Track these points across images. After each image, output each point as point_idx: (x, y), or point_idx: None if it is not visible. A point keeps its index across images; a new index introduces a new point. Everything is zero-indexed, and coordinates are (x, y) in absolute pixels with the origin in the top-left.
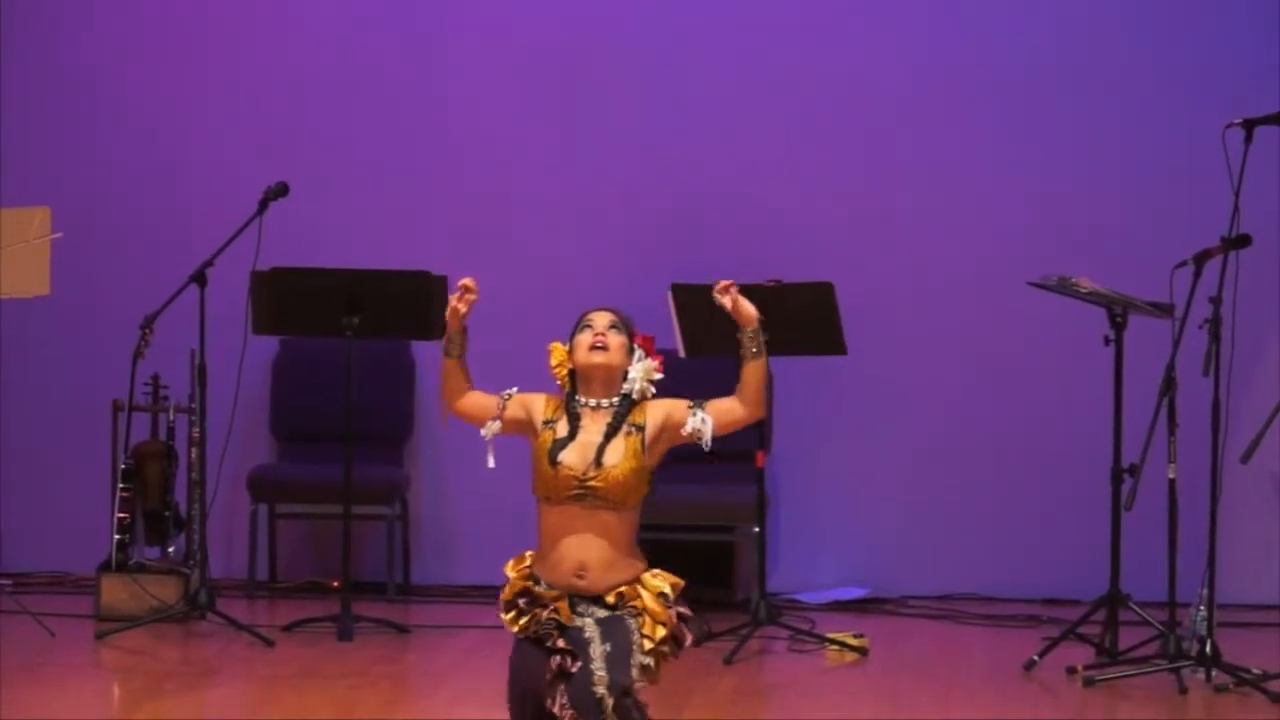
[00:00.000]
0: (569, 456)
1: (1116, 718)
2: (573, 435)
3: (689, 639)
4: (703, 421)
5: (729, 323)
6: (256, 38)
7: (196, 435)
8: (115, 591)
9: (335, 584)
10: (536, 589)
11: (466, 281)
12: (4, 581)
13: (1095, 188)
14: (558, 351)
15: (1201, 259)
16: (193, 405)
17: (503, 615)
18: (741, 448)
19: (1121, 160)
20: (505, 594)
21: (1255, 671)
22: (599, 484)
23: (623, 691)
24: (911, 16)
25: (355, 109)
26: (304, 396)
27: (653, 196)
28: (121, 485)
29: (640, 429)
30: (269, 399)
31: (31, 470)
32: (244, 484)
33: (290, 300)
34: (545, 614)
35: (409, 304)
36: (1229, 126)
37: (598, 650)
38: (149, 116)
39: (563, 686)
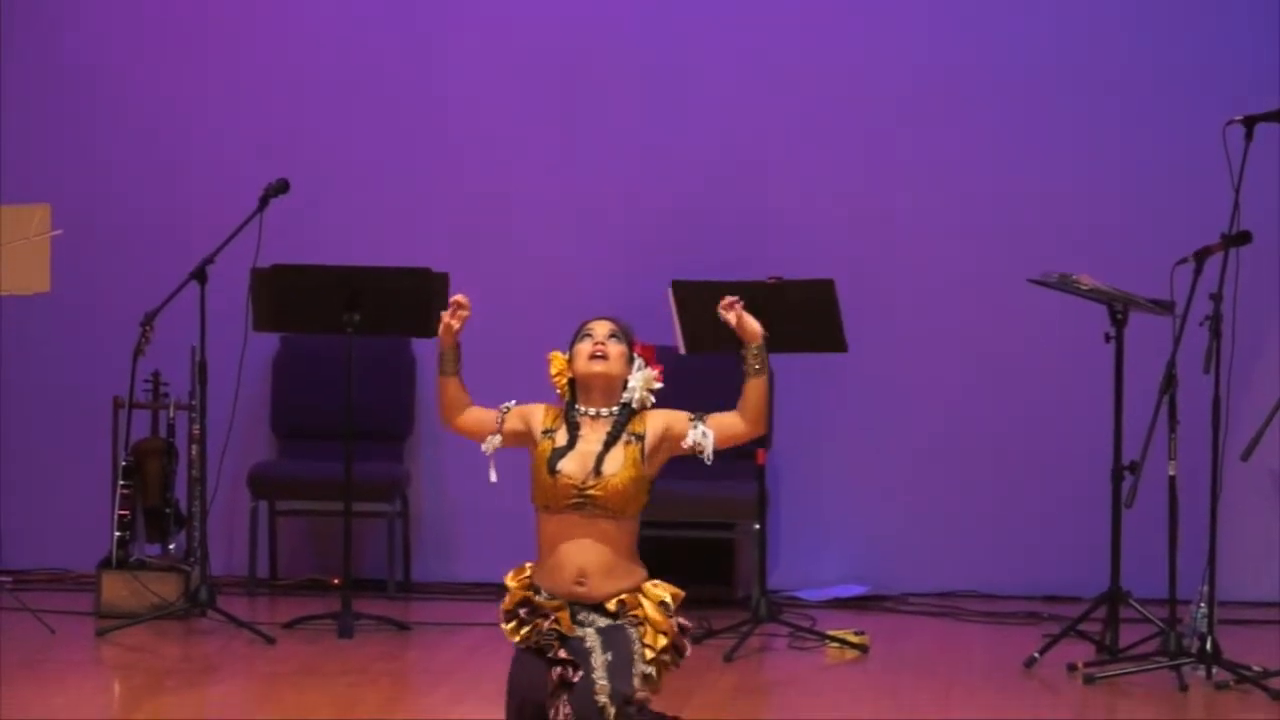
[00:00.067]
0: (568, 465)
1: (1117, 715)
2: (571, 444)
3: (689, 649)
4: (704, 435)
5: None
6: (256, 38)
7: (197, 432)
8: (116, 588)
9: (336, 581)
10: (537, 599)
11: (459, 298)
12: (4, 579)
13: (1095, 185)
14: (557, 360)
15: (1202, 256)
16: (193, 402)
17: (503, 625)
18: (742, 445)
19: (1122, 158)
20: (505, 604)
21: (1256, 669)
22: (598, 493)
23: (624, 700)
24: (911, 16)
25: (355, 109)
26: (304, 393)
27: (653, 196)
28: (122, 482)
29: (640, 438)
30: (269, 396)
31: (32, 467)
32: (244, 481)
33: (290, 297)
34: (546, 624)
35: (409, 301)
36: (1229, 123)
37: (599, 660)
38: (149, 114)
39: (565, 696)
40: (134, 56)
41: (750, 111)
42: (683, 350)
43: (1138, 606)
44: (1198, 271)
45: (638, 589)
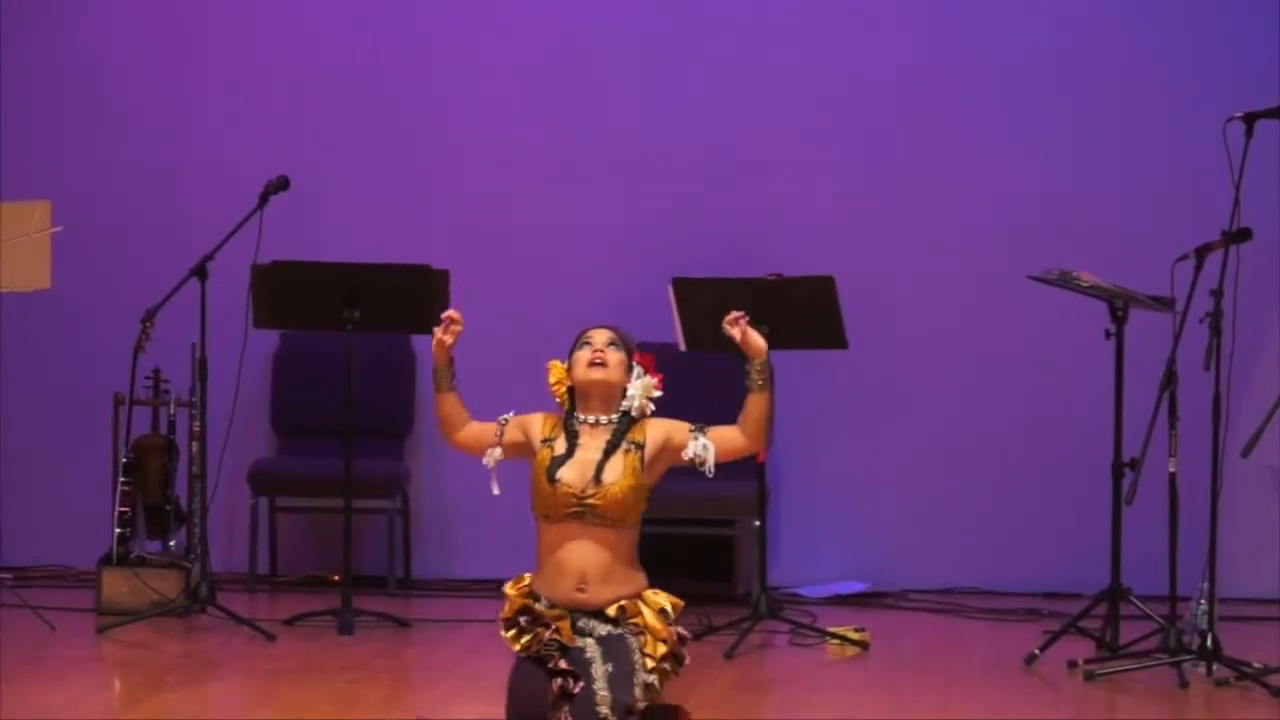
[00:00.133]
0: (567, 474)
1: (1117, 712)
2: (570, 452)
3: (688, 658)
4: (704, 448)
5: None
6: (256, 37)
7: (197, 429)
8: (116, 585)
9: (336, 578)
10: (537, 606)
11: (451, 313)
12: (4, 575)
13: (1095, 182)
14: (556, 369)
15: (1202, 253)
16: (193, 399)
17: (503, 633)
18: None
19: (1122, 155)
20: (505, 612)
21: (1256, 665)
22: (597, 502)
23: (626, 711)
24: (911, 17)
25: (355, 108)
26: (304, 390)
27: (653, 196)
28: (122, 479)
29: (640, 447)
30: (269, 393)
31: (32, 464)
32: (245, 478)
33: (291, 294)
34: (548, 634)
35: (409, 298)
36: (1229, 120)
37: (599, 670)
38: (149, 111)
39: (566, 708)
40: (134, 53)
41: (750, 111)
42: (683, 347)
43: (1138, 603)
44: (1198, 268)
45: (638, 595)
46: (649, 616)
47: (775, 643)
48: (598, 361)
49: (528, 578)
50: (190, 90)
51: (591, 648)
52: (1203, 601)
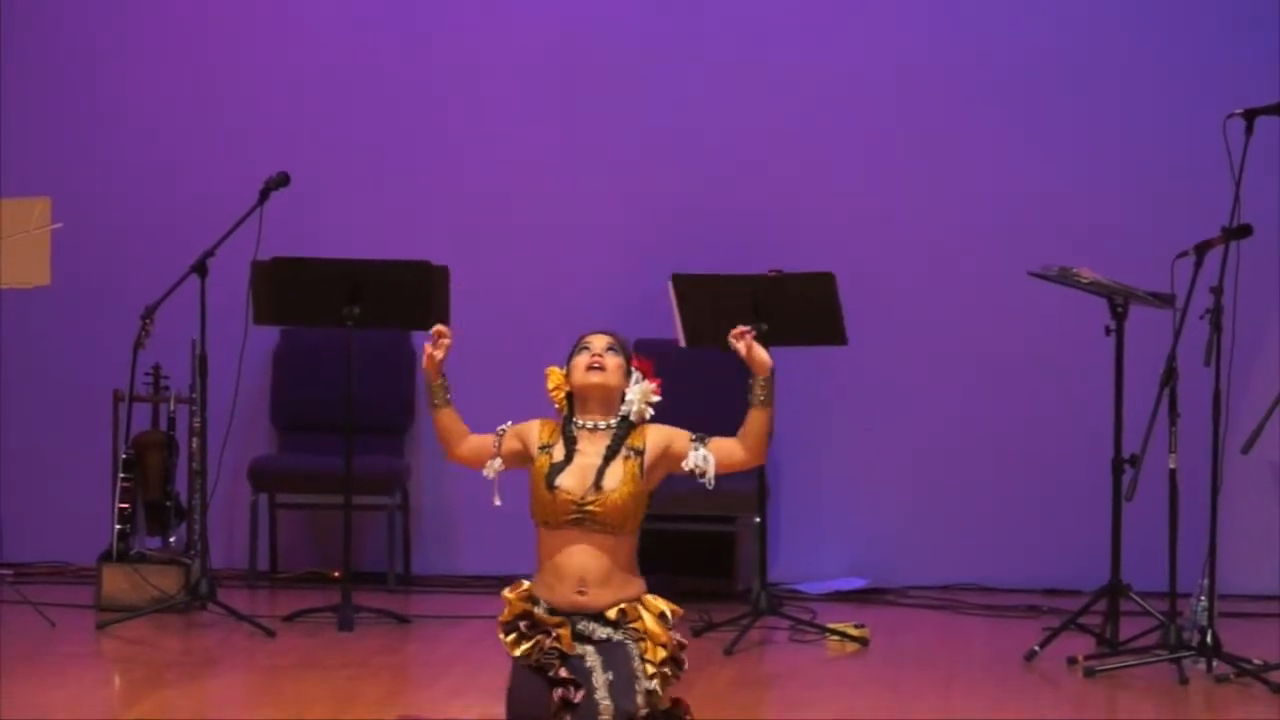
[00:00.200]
0: (566, 480)
1: (1117, 708)
2: (569, 458)
3: (687, 663)
4: (704, 459)
5: (730, 315)
6: (257, 36)
7: (197, 425)
8: (116, 581)
9: (336, 574)
10: (537, 611)
11: (439, 328)
12: (5, 571)
13: (1096, 178)
14: (554, 375)
15: (1202, 249)
16: (193, 395)
17: (503, 638)
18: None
19: (1122, 152)
20: (504, 616)
21: (1256, 662)
22: (597, 509)
23: (628, 719)
24: (911, 16)
25: (355, 108)
26: (304, 387)
27: (653, 195)
28: (122, 475)
29: (639, 453)
30: (269, 389)
31: (32, 460)
32: (245, 474)
33: (291, 290)
34: (549, 642)
35: (410, 294)
36: (1230, 117)
37: (600, 679)
38: (150, 109)
39: (568, 717)
40: (135, 50)
41: (750, 111)
42: (683, 343)
43: (1138, 600)
44: (1198, 265)
45: (638, 599)
46: (649, 621)
47: (775, 639)
48: (596, 365)
49: (525, 584)
50: (190, 88)
51: (591, 656)
52: (1203, 598)
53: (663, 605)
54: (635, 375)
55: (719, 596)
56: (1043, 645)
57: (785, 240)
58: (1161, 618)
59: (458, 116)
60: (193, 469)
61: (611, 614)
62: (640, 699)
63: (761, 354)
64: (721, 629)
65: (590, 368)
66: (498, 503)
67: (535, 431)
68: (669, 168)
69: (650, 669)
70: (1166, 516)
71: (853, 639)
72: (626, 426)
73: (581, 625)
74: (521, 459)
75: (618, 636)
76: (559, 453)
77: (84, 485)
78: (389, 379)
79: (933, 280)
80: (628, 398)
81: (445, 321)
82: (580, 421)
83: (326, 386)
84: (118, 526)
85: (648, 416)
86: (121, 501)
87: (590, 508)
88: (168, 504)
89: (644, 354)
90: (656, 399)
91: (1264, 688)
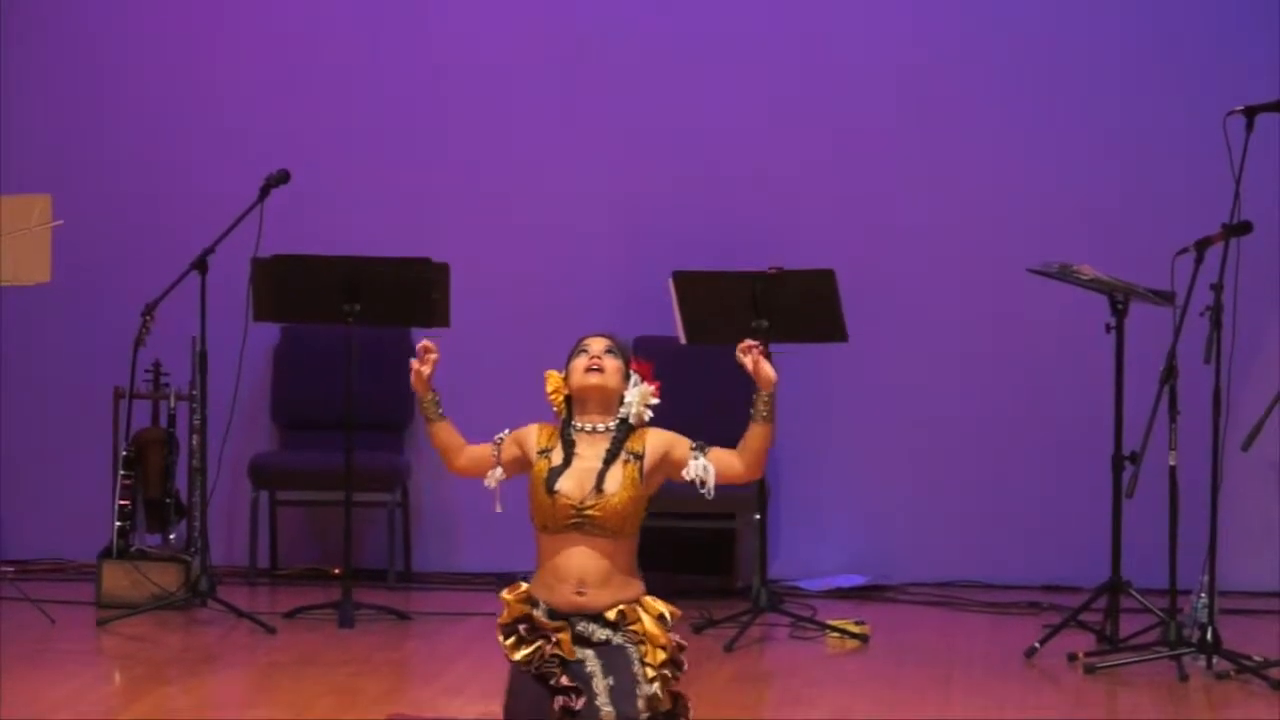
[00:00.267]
0: (566, 484)
1: (1117, 705)
2: (568, 462)
3: (686, 665)
4: (705, 469)
5: (730, 312)
6: (257, 33)
7: (197, 422)
8: (116, 578)
9: (336, 571)
10: (536, 614)
11: (426, 343)
12: (5, 568)
13: (1096, 176)
14: (553, 378)
15: (1202, 246)
16: (194, 392)
17: (502, 640)
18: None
19: (1122, 149)
20: (503, 618)
21: (1256, 658)
22: (597, 513)
23: None
24: (911, 11)
25: (355, 107)
26: (305, 383)
27: (653, 194)
28: (122, 472)
29: (639, 457)
30: (270, 386)
31: (32, 457)
32: (245, 471)
33: (291, 288)
34: (549, 648)
35: (410, 291)
36: (1230, 114)
37: (601, 685)
38: (150, 106)
39: None
40: (135, 48)
41: (750, 111)
42: (683, 340)
43: (1138, 596)
44: (1198, 262)
45: (637, 601)
46: (648, 623)
47: (775, 636)
48: (595, 367)
49: (524, 585)
50: (191, 86)
51: (591, 661)
52: (1203, 595)
53: (661, 607)
54: (634, 378)
55: (719, 593)
56: (1043, 642)
57: (784, 241)
58: (1162, 614)
59: (458, 115)
60: (193, 466)
61: (611, 615)
62: (641, 704)
63: (768, 369)
64: (722, 626)
65: (589, 370)
66: (499, 509)
67: (533, 436)
68: (669, 167)
69: (650, 672)
70: (1167, 513)
71: (853, 636)
72: (625, 429)
73: (581, 627)
74: (522, 465)
75: (617, 639)
76: (557, 456)
77: (84, 482)
78: (389, 376)
79: (933, 277)
80: (626, 400)
81: (446, 319)
82: (579, 424)
83: (327, 383)
84: (118, 523)
85: (646, 419)
86: (122, 498)
87: (590, 512)
88: (168, 501)
89: (644, 352)
90: (655, 401)
91: (1264, 684)
